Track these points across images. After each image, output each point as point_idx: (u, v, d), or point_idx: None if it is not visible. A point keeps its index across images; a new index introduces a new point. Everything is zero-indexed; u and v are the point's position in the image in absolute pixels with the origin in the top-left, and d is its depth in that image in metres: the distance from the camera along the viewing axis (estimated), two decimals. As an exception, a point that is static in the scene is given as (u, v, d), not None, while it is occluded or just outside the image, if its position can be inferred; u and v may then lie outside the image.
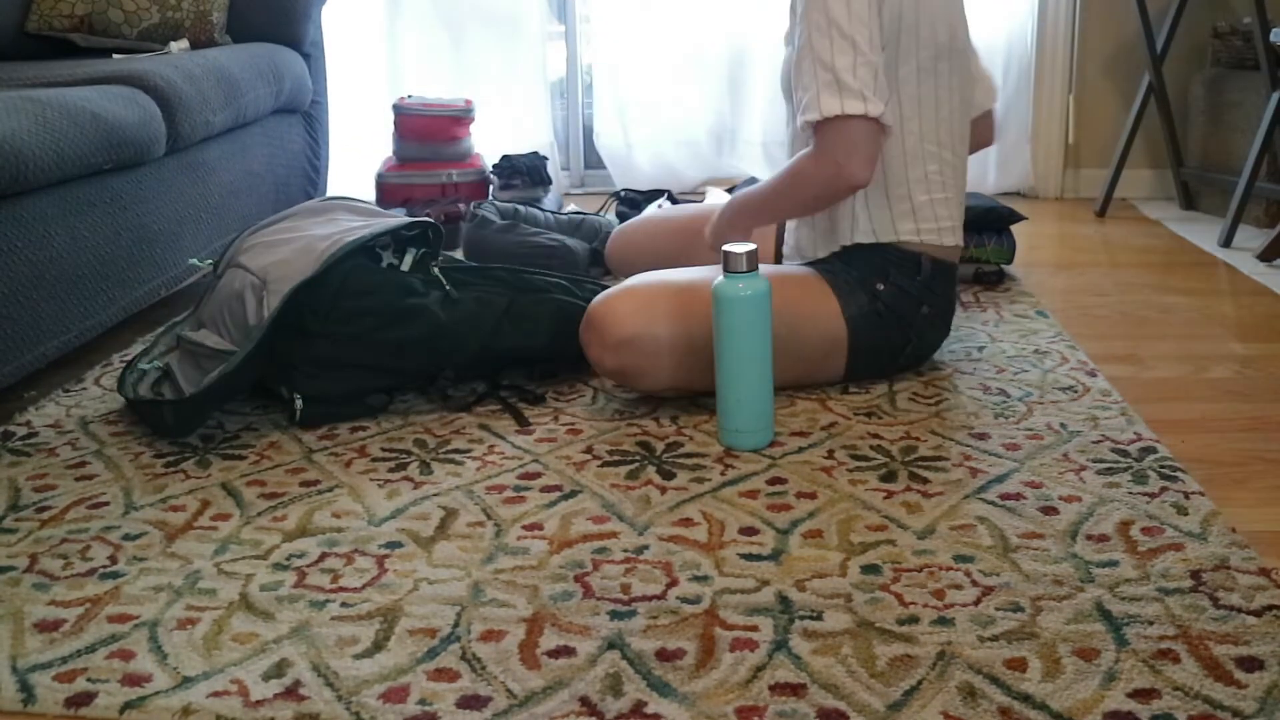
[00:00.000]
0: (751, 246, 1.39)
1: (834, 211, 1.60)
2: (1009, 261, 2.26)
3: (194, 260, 1.74)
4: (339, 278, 1.54)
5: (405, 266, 1.66)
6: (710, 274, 1.54)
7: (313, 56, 2.71)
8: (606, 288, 1.65)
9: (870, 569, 1.13)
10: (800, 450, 1.43)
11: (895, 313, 1.59)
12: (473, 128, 2.95)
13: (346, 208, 1.76)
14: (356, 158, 3.23)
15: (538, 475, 1.37)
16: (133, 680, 0.97)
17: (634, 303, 1.51)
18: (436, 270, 1.66)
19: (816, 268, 1.62)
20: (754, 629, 1.03)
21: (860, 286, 1.57)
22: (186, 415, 1.49)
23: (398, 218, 1.69)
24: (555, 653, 1.00)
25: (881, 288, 1.58)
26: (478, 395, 1.64)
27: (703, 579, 1.12)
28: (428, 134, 2.85)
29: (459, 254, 2.42)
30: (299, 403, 1.53)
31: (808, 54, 1.48)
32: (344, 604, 1.09)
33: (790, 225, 1.72)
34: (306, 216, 1.71)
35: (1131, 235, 2.72)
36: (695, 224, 1.92)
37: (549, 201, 2.72)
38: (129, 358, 1.87)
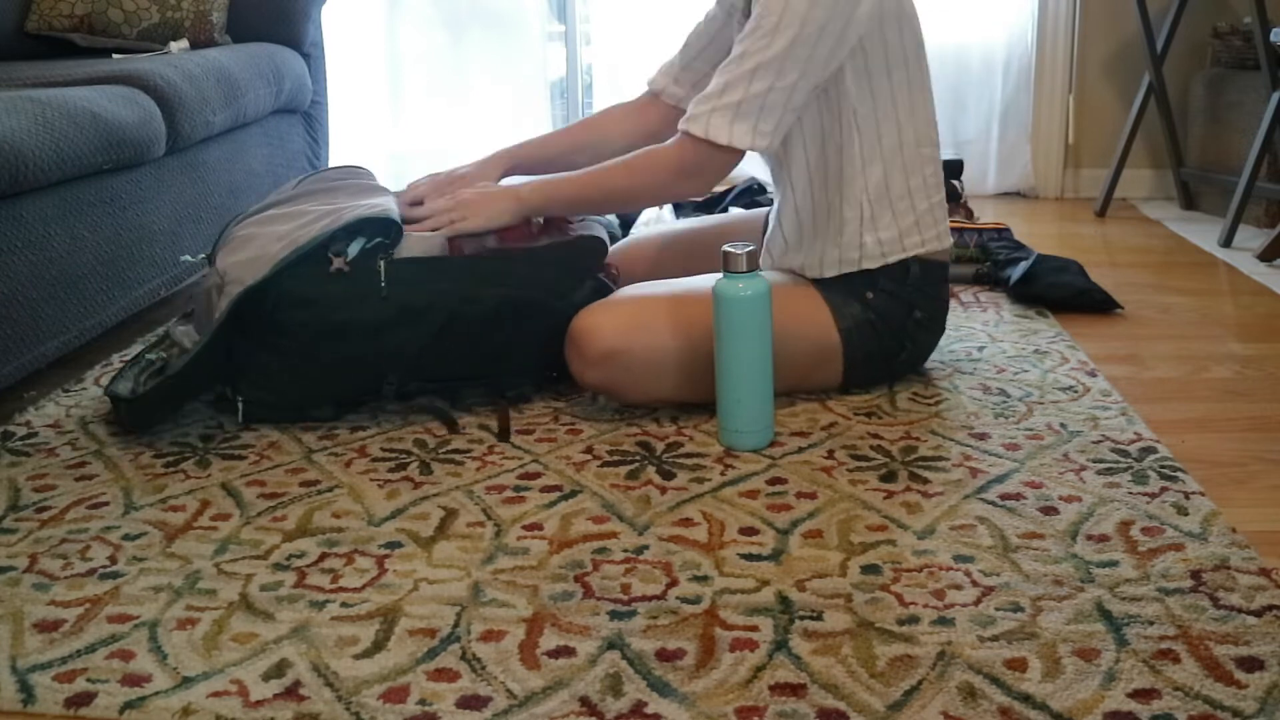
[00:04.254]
0: (751, 246, 1.39)
1: (841, 238, 1.55)
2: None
3: (186, 256, 1.72)
4: (281, 286, 1.48)
5: (351, 254, 1.52)
6: (700, 283, 1.52)
7: (313, 56, 2.71)
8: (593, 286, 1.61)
9: (870, 569, 1.13)
10: (800, 450, 1.43)
11: (886, 320, 1.57)
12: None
13: (328, 189, 1.68)
14: (356, 158, 3.23)
15: (538, 475, 1.37)
16: (132, 680, 0.97)
17: (616, 317, 1.49)
18: (381, 264, 1.50)
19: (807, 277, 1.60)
20: (754, 629, 1.03)
21: (852, 296, 1.55)
22: (138, 414, 1.51)
23: (366, 205, 1.56)
24: (555, 653, 1.00)
25: (871, 296, 1.56)
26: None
27: (703, 579, 1.12)
28: None
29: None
30: (240, 405, 1.54)
31: (745, 72, 1.43)
32: (344, 604, 1.09)
33: (776, 251, 1.67)
34: (287, 205, 1.65)
35: (1131, 235, 2.72)
36: (703, 239, 1.85)
37: None
38: (128, 357, 1.87)
